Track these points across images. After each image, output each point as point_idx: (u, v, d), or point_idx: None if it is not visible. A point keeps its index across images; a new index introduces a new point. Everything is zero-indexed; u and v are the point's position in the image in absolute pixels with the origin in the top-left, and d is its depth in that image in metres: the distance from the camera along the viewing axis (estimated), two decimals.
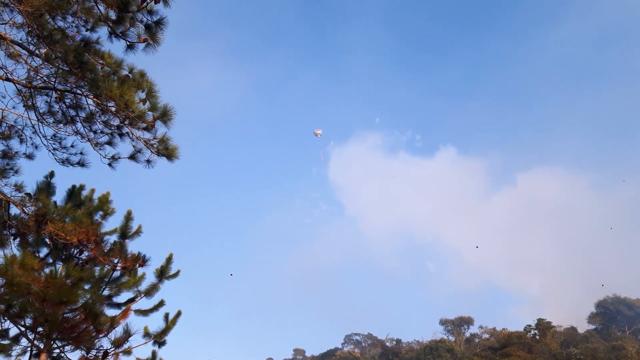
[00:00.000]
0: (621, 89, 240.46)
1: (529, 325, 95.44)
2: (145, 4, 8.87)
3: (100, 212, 16.13)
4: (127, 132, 9.78)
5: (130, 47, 9.98)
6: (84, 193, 16.09)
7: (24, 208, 9.78)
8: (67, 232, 9.59)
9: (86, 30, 10.94)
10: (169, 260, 17.09)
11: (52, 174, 15.46)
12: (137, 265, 11.69)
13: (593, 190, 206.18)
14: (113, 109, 9.32)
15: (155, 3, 8.94)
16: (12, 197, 9.92)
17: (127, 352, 16.56)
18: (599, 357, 76.72)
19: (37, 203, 9.94)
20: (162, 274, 16.92)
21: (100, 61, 10.82)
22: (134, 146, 9.79)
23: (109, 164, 10.25)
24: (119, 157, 10.22)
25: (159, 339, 16.76)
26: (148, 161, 9.86)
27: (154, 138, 9.51)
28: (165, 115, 9.33)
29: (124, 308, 16.26)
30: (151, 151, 9.62)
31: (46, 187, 15.41)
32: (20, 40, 9.84)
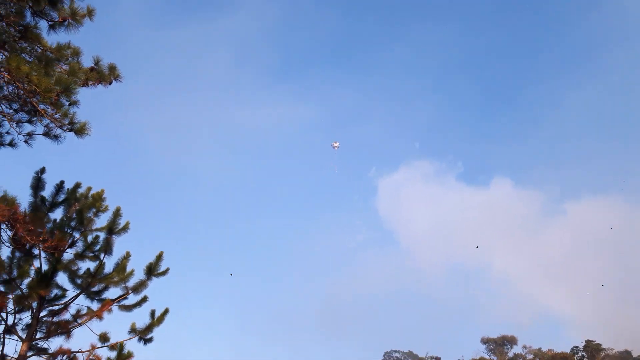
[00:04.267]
0: None
1: (576, 347, 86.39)
2: None
3: (93, 209, 16.77)
4: (40, 110, 9.94)
5: (52, 27, 10.30)
6: (80, 190, 16.90)
7: None
8: None
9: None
10: (159, 258, 17.30)
11: (42, 170, 16.33)
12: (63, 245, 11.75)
13: None
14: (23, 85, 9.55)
15: None
16: None
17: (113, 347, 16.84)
18: None
19: None
20: (151, 271, 17.20)
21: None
22: (40, 120, 9.94)
23: (26, 141, 10.51)
24: (34, 133, 10.42)
25: (144, 335, 16.87)
26: (56, 136, 9.96)
27: (57, 112, 9.56)
28: (67, 90, 9.37)
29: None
30: (56, 125, 9.69)
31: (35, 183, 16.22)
32: None
